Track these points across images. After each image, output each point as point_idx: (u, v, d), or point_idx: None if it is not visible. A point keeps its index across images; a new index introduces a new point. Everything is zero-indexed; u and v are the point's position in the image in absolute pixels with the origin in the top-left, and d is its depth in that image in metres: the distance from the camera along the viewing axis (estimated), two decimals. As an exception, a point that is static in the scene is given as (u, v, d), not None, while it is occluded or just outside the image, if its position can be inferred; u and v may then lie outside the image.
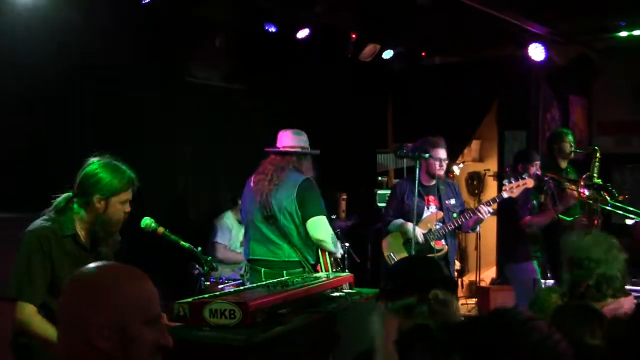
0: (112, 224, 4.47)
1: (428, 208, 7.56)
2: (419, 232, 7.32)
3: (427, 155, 7.20)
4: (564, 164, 8.67)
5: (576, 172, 8.71)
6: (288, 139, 6.41)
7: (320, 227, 6.14)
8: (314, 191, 6.22)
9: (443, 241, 7.51)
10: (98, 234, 4.47)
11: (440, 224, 7.51)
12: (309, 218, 6.13)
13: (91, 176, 4.38)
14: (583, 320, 3.12)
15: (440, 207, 7.56)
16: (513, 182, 7.60)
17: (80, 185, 4.41)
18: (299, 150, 6.37)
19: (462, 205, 7.84)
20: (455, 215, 7.55)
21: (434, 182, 7.57)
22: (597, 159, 8.42)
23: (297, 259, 6.20)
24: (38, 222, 4.39)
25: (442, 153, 7.50)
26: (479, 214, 7.43)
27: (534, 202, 8.31)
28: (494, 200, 7.71)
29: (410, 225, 7.31)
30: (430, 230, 7.44)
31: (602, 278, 4.03)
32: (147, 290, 2.37)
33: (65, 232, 4.36)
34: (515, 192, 7.61)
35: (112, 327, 2.25)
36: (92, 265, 2.41)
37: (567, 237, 4.44)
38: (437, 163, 7.46)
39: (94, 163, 4.42)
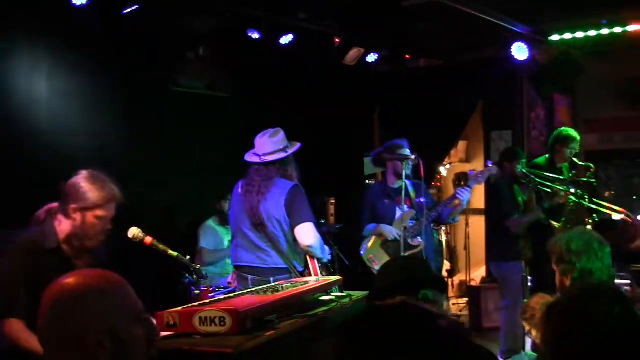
0: (88, 238, 4.40)
1: (400, 208, 7.65)
2: (395, 231, 7.46)
3: (414, 156, 7.31)
4: (559, 164, 8.76)
5: (569, 171, 8.78)
6: (267, 146, 6.32)
7: (308, 234, 6.09)
8: (301, 197, 6.18)
9: (419, 238, 7.61)
10: (75, 247, 4.42)
11: (414, 222, 7.62)
12: (298, 225, 6.10)
13: (72, 186, 4.33)
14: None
15: (412, 206, 7.66)
16: (478, 171, 7.87)
17: (61, 195, 4.36)
18: (282, 157, 6.32)
19: (431, 203, 8.01)
20: (426, 211, 7.65)
21: (400, 182, 7.64)
22: (590, 176, 8.50)
23: (285, 265, 6.19)
24: (21, 236, 4.36)
25: (409, 152, 7.59)
26: (458, 196, 7.65)
27: (520, 199, 8.39)
28: (465, 189, 7.75)
29: (384, 226, 7.67)
30: (405, 228, 7.53)
31: (585, 270, 4.08)
32: (129, 289, 2.39)
33: (49, 244, 4.33)
34: (480, 180, 7.83)
35: (106, 333, 2.25)
36: (68, 276, 2.37)
37: (554, 237, 4.50)
38: (405, 163, 7.54)
39: (80, 174, 4.36)
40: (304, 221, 6.10)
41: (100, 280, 2.37)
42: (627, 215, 8.42)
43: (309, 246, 6.08)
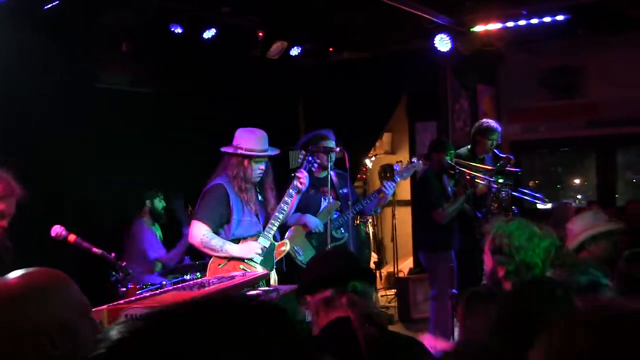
0: None
1: (325, 199, 7.66)
2: (320, 222, 7.51)
3: (338, 148, 7.34)
4: (480, 155, 8.87)
5: (493, 161, 8.90)
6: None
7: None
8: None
9: (342, 229, 7.65)
10: None
11: (338, 213, 7.66)
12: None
13: None
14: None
15: (337, 197, 7.67)
16: (404, 166, 7.91)
17: None
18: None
19: (354, 193, 8.04)
20: (349, 202, 7.66)
21: (325, 173, 7.65)
22: (512, 166, 8.63)
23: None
24: None
25: (334, 142, 7.62)
26: (384, 190, 7.73)
27: (449, 189, 8.47)
28: (391, 183, 7.82)
29: (309, 217, 7.62)
30: (330, 220, 7.55)
31: (522, 264, 4.08)
32: (74, 285, 2.35)
33: None
34: (405, 176, 8.01)
35: (59, 331, 2.20)
36: (12, 276, 2.31)
37: (492, 224, 4.49)
38: (330, 154, 7.56)
39: None
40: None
41: (44, 278, 2.32)
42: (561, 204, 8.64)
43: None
